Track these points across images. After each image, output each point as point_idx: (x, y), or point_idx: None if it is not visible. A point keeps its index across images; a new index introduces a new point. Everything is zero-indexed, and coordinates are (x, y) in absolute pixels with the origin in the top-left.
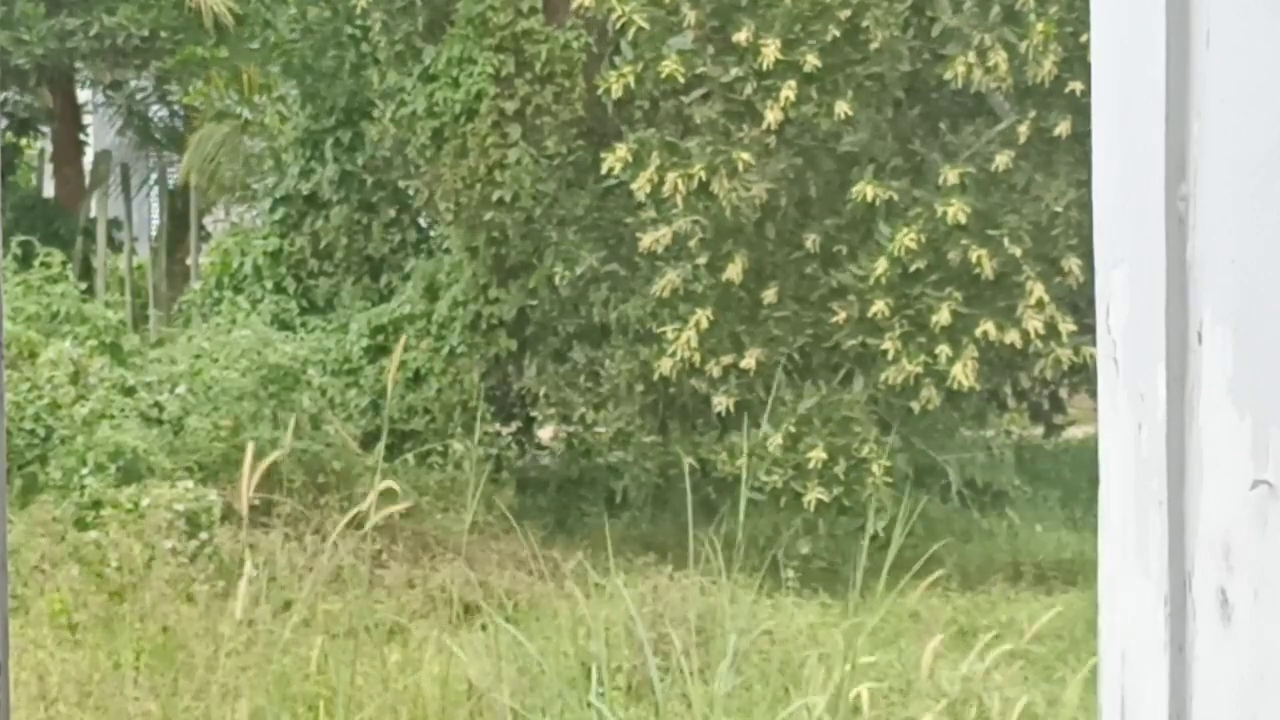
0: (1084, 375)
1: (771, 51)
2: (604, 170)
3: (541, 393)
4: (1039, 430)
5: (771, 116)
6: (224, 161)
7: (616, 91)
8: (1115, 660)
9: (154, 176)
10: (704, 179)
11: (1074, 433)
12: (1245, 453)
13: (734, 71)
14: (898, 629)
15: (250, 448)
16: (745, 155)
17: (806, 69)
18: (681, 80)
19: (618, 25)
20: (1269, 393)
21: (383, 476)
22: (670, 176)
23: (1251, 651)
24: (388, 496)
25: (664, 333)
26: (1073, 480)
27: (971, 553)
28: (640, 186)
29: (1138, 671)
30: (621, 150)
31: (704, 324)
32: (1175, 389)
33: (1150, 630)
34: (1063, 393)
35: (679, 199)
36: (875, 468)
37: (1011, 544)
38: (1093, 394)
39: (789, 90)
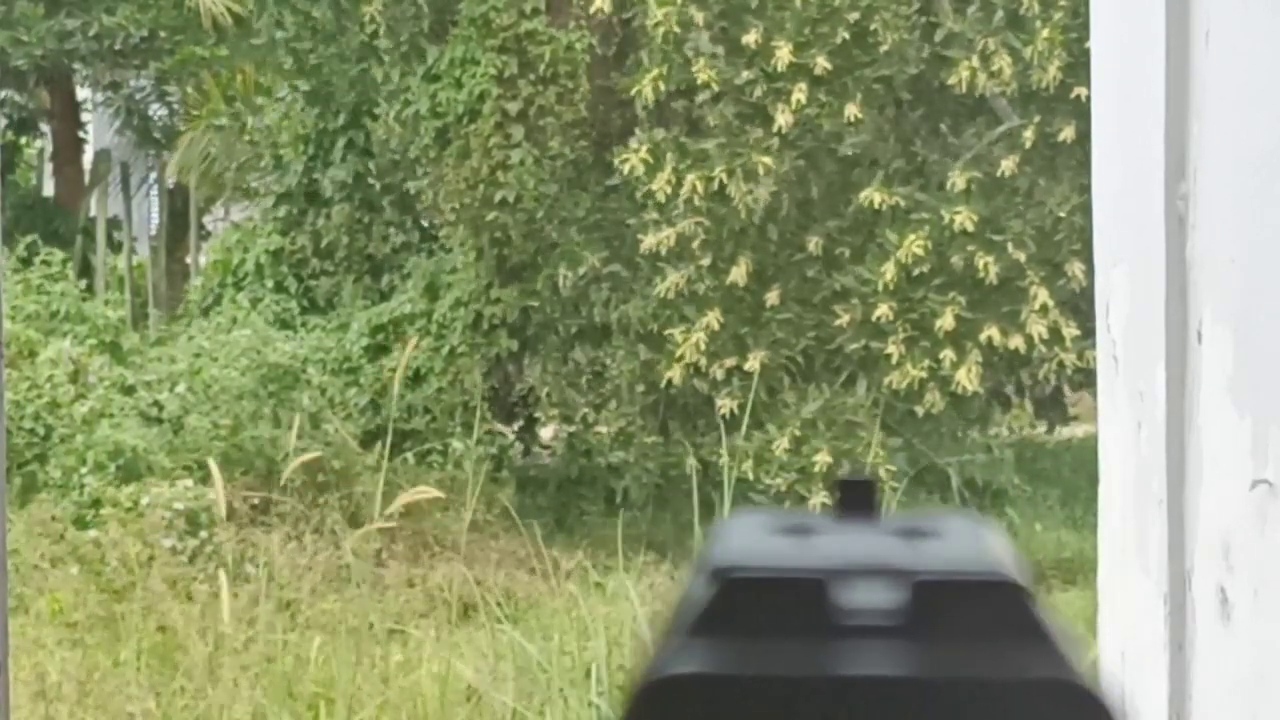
0: (1086, 376)
1: (785, 54)
2: (626, 171)
3: (543, 393)
4: (1040, 429)
5: (783, 119)
6: (219, 158)
7: (648, 95)
8: (1115, 659)
9: (154, 175)
10: (723, 181)
11: (1075, 431)
12: (1245, 452)
13: (745, 74)
14: None
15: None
16: (766, 159)
17: (817, 72)
18: (716, 86)
19: (652, 28)
20: (1269, 392)
21: (385, 475)
22: (689, 179)
23: (1251, 650)
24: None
25: (671, 334)
26: (1073, 479)
27: None
28: (660, 189)
29: (1138, 670)
30: (642, 152)
31: (714, 326)
32: (1175, 388)
33: (1150, 629)
34: (1065, 391)
35: (695, 200)
36: (880, 472)
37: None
38: (1095, 393)
39: (799, 93)
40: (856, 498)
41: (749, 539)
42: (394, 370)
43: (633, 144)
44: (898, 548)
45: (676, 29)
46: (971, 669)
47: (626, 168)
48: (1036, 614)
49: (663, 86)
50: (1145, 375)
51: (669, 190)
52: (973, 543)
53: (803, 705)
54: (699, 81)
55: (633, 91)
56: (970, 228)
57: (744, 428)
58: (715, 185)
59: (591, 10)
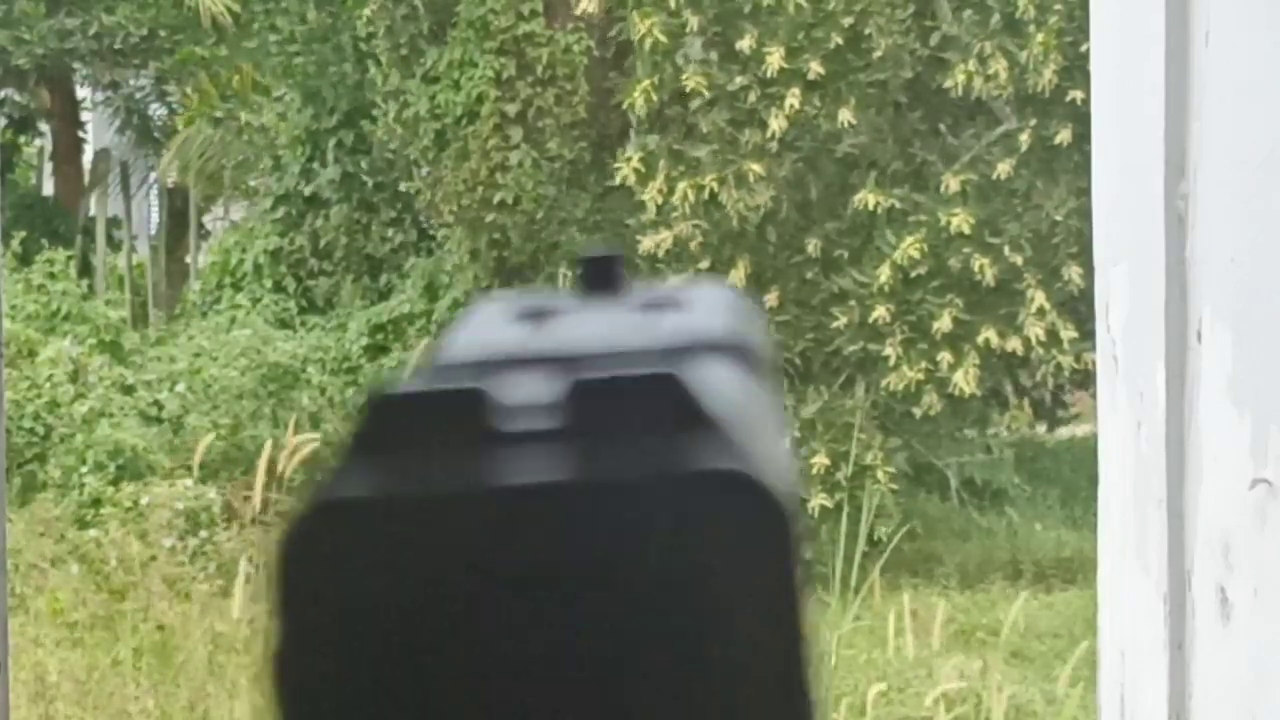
0: (1084, 378)
1: (776, 59)
2: (618, 180)
3: None
4: (1040, 428)
5: (776, 124)
6: (214, 157)
7: (641, 106)
8: (1115, 658)
9: (153, 175)
10: (714, 189)
11: (1074, 431)
12: (1244, 451)
13: (738, 80)
14: (896, 628)
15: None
16: (756, 166)
17: (810, 76)
18: (707, 93)
19: (638, 40)
20: (1268, 392)
21: None
22: (680, 186)
23: (1251, 649)
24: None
25: None
26: (1073, 478)
27: (970, 551)
28: (651, 197)
29: (1137, 669)
30: (635, 159)
31: None
32: (1175, 387)
33: (1150, 628)
34: (1063, 393)
35: (687, 207)
36: (879, 474)
37: (1011, 542)
38: (1094, 393)
39: (793, 98)
40: (602, 273)
41: (480, 329)
42: (394, 370)
43: (625, 152)
44: (638, 325)
45: (664, 38)
46: (631, 468)
47: (619, 176)
48: (702, 406)
49: (654, 97)
50: (1145, 375)
51: (660, 199)
52: (715, 312)
53: (455, 520)
54: (688, 89)
55: (625, 104)
56: (967, 230)
57: None
58: (707, 193)
59: (578, 11)
